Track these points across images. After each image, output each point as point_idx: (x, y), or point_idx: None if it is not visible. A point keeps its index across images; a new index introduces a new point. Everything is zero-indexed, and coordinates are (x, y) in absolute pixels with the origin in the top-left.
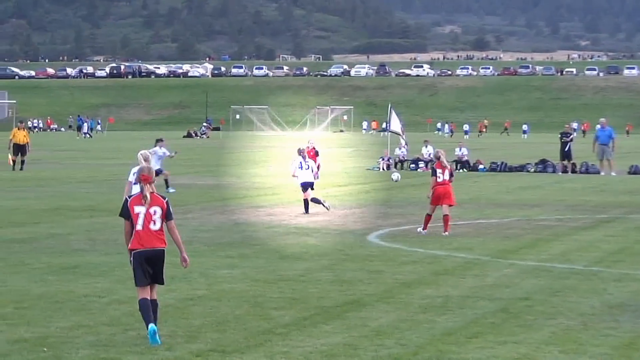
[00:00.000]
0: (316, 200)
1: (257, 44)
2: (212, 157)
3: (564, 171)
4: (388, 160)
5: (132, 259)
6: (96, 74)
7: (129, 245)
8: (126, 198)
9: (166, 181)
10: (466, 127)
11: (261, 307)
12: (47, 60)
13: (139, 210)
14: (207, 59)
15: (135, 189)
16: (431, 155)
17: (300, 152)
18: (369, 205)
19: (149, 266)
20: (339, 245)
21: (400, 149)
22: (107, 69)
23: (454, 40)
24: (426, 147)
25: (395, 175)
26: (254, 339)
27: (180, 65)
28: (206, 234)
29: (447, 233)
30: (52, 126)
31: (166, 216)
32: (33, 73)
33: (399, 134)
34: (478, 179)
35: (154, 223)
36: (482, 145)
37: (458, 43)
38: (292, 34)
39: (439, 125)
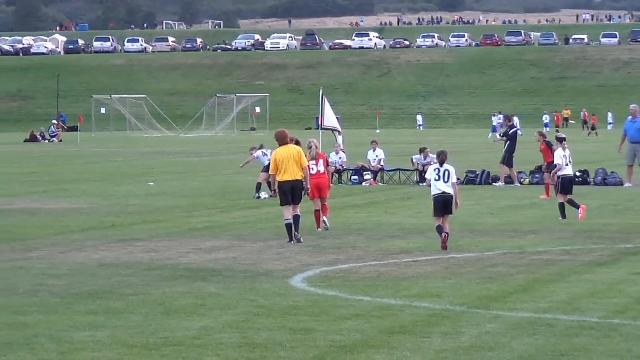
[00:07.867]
0: None
1: (129, 5)
2: (67, 169)
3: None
4: None
5: None
6: None
7: None
8: None
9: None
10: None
11: None
12: None
13: None
14: (58, 28)
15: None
16: (382, 162)
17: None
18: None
19: None
20: (249, 293)
21: (337, 153)
22: None
23: None
24: (374, 150)
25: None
26: None
27: (19, 38)
28: (58, 280)
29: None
30: None
31: None
32: None
33: (337, 131)
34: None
35: None
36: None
37: (418, 1)
38: None
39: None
